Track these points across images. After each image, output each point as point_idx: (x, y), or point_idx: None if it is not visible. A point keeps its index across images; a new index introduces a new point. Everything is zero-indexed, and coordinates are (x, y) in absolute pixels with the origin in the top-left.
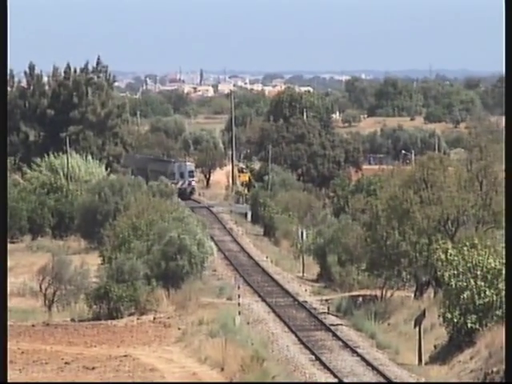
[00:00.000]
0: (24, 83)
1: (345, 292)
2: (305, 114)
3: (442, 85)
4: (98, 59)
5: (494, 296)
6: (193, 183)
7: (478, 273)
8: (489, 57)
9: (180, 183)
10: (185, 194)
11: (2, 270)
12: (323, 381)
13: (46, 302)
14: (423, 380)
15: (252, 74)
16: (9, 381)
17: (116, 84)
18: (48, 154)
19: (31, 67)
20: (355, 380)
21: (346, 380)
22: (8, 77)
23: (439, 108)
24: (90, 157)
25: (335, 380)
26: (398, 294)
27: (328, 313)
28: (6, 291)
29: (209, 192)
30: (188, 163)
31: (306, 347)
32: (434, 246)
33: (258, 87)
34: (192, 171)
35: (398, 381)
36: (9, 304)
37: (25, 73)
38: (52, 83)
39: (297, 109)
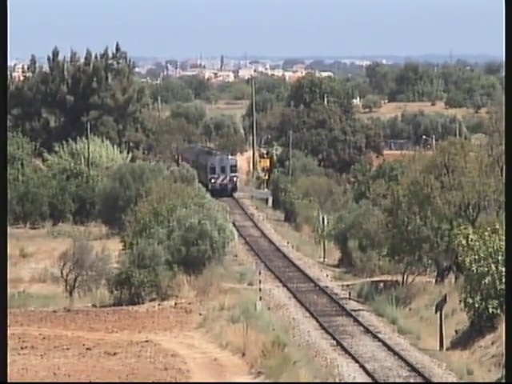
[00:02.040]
0: (46, 69)
1: (366, 277)
2: (325, 99)
3: (463, 70)
4: (117, 45)
5: None
6: (235, 179)
7: (499, 258)
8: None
9: (221, 178)
10: (225, 191)
11: (2, 270)
12: (345, 366)
13: (68, 287)
14: (444, 365)
15: (272, 59)
16: (9, 380)
17: (137, 70)
18: (68, 140)
19: (55, 53)
20: (376, 365)
21: (367, 366)
22: (29, 62)
23: (460, 93)
24: (109, 142)
25: (356, 365)
26: (419, 280)
27: (349, 298)
28: (6, 291)
29: None
30: (230, 156)
31: (328, 332)
32: (455, 231)
33: (278, 73)
34: (234, 166)
35: (419, 366)
36: (30, 290)
37: (48, 58)
38: (70, 69)
39: (317, 94)
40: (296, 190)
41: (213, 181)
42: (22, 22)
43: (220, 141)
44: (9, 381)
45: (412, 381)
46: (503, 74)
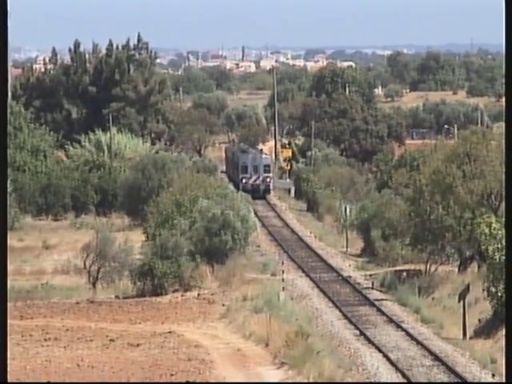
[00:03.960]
0: (68, 60)
1: (389, 267)
2: (347, 89)
3: (485, 59)
4: (139, 36)
5: None
6: (268, 180)
7: None
8: None
9: (253, 178)
10: (257, 192)
11: (2, 270)
12: (368, 356)
13: (91, 279)
14: (468, 354)
15: (294, 49)
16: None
17: (158, 61)
18: (89, 132)
19: (76, 44)
20: (399, 355)
21: (390, 355)
22: (51, 54)
23: (482, 82)
24: (132, 134)
25: (380, 355)
26: (442, 269)
27: (372, 288)
28: (6, 291)
29: None
30: (264, 155)
31: (351, 322)
32: (478, 220)
33: (299, 63)
34: (268, 165)
35: (442, 355)
36: (53, 281)
37: (69, 50)
38: (92, 60)
39: (339, 84)
40: (318, 179)
41: (244, 181)
42: (43, 14)
43: (242, 131)
44: (9, 381)
45: (436, 370)
46: None
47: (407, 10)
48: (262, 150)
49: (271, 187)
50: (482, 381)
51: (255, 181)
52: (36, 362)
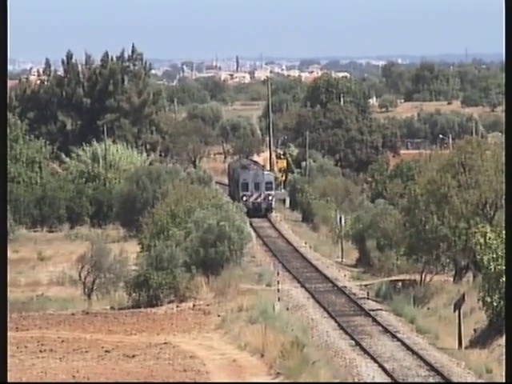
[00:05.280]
0: (62, 72)
1: (384, 277)
2: (342, 99)
3: (479, 68)
4: (133, 47)
5: None
6: (270, 198)
7: None
8: None
9: (254, 196)
10: (259, 211)
11: (2, 270)
12: (364, 366)
13: (86, 290)
14: (463, 364)
15: (288, 60)
16: (9, 380)
17: (153, 72)
18: (84, 143)
19: (69, 55)
20: (395, 365)
21: (386, 365)
22: (44, 65)
23: (476, 92)
24: (126, 145)
25: (375, 365)
26: (437, 279)
27: (367, 298)
28: (6, 291)
29: None
30: (266, 172)
31: (346, 333)
32: (473, 229)
33: (294, 73)
34: (271, 182)
35: (438, 365)
36: (48, 293)
37: (62, 61)
38: (86, 72)
39: (334, 94)
40: (313, 190)
41: (244, 198)
42: (36, 25)
43: (237, 142)
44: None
45: (431, 380)
46: None
47: (401, 20)
48: (263, 165)
49: (273, 205)
50: None
51: (256, 199)
52: (32, 373)
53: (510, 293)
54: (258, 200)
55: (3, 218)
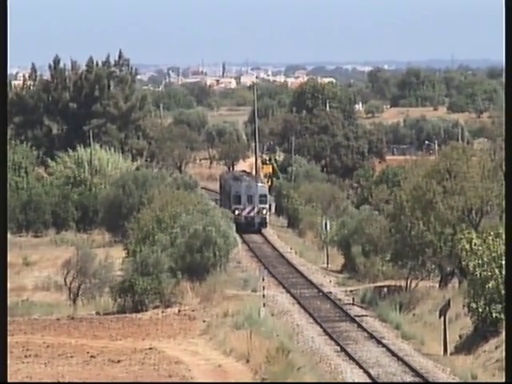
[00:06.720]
0: (48, 77)
1: (369, 283)
2: (327, 105)
3: (465, 74)
4: (120, 53)
5: None
6: (264, 211)
7: (503, 262)
8: None
9: (247, 210)
10: (252, 226)
11: (2, 270)
12: (349, 372)
13: (71, 295)
14: (448, 370)
15: (274, 65)
16: (9, 380)
17: (139, 77)
18: (69, 149)
19: (56, 61)
20: (380, 371)
21: (371, 371)
22: (30, 70)
23: (462, 98)
24: (112, 150)
25: (361, 371)
26: (423, 285)
27: (353, 304)
28: (6, 291)
29: None
30: (260, 184)
31: (331, 338)
32: (459, 235)
33: (280, 79)
34: (265, 195)
35: (423, 371)
36: (34, 298)
37: (49, 66)
38: (72, 77)
39: (319, 100)
40: (299, 196)
41: (237, 212)
42: (23, 30)
43: (222, 147)
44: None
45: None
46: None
47: (387, 26)
48: (258, 175)
49: (267, 220)
50: None
51: (249, 213)
52: (17, 378)
53: (510, 293)
54: (251, 214)
55: (2, 223)
